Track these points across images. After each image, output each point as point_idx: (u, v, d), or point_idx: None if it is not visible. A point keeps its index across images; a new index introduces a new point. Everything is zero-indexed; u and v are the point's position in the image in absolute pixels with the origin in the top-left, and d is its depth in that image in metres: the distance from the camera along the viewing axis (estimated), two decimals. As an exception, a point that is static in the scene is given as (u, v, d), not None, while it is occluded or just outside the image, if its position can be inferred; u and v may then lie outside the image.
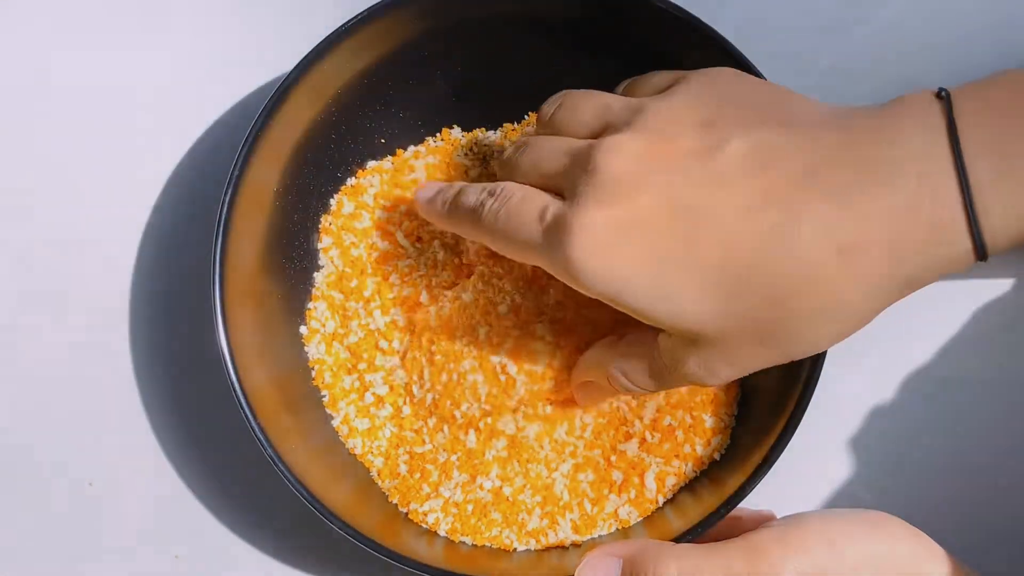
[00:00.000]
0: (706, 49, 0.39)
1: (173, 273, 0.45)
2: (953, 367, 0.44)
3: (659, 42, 0.40)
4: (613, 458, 0.41)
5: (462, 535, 0.41)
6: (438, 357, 0.40)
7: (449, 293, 0.42)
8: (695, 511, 0.39)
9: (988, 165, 0.29)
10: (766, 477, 0.37)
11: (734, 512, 0.37)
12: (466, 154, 0.44)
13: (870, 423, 0.44)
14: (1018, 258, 0.44)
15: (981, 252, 0.29)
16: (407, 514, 0.41)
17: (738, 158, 0.31)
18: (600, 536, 0.41)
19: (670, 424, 0.41)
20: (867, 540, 0.34)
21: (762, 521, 0.38)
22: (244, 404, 0.38)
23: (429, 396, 0.41)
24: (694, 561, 0.33)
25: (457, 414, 0.40)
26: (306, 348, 0.43)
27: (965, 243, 0.29)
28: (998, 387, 0.44)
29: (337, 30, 0.39)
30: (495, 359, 0.39)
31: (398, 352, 0.42)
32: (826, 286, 0.30)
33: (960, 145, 0.29)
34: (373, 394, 0.42)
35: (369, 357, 0.42)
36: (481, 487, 0.41)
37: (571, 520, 0.41)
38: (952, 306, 0.44)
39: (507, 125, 0.44)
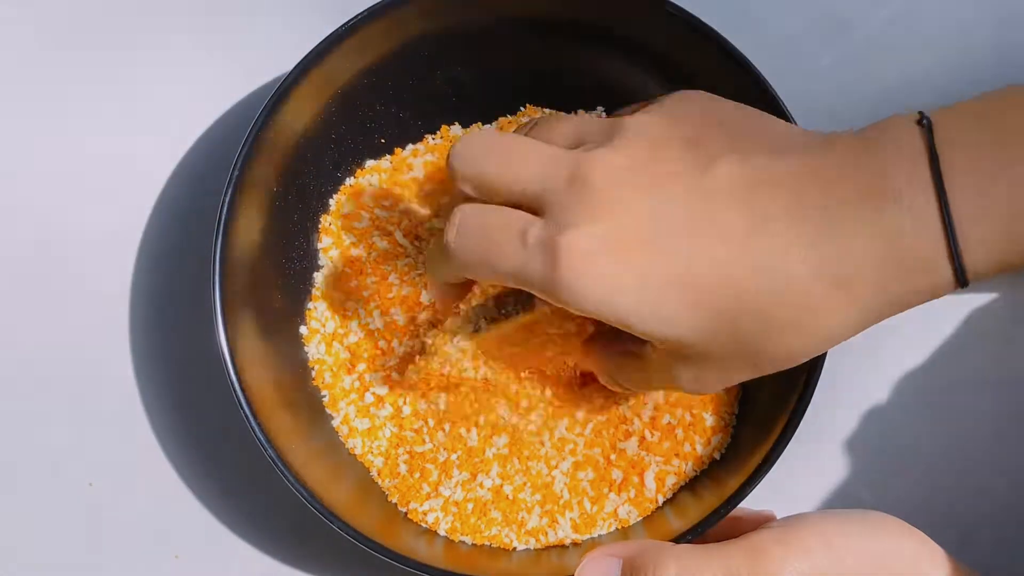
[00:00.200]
0: (707, 49, 0.39)
1: (173, 273, 0.45)
2: (953, 368, 0.44)
3: (659, 42, 0.40)
4: (613, 456, 0.41)
5: (462, 534, 0.41)
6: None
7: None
8: (695, 511, 0.39)
9: (970, 196, 0.29)
10: (766, 477, 0.37)
11: (734, 512, 0.37)
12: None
13: (870, 423, 0.44)
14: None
15: (962, 281, 0.30)
16: (407, 513, 0.41)
17: (727, 179, 0.31)
18: (600, 536, 0.41)
19: (669, 422, 0.41)
20: (867, 540, 0.34)
21: (762, 521, 0.38)
22: (244, 404, 0.38)
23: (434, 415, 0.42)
24: (694, 561, 0.33)
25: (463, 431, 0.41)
26: (306, 348, 0.43)
27: (947, 272, 0.30)
28: (998, 387, 0.44)
29: (337, 30, 0.39)
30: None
31: (398, 352, 0.42)
32: (812, 311, 0.31)
33: (942, 176, 0.29)
34: (373, 394, 0.42)
35: (369, 357, 0.42)
36: (481, 485, 0.41)
37: (571, 519, 0.41)
38: (952, 307, 0.44)
39: (502, 119, 0.44)
